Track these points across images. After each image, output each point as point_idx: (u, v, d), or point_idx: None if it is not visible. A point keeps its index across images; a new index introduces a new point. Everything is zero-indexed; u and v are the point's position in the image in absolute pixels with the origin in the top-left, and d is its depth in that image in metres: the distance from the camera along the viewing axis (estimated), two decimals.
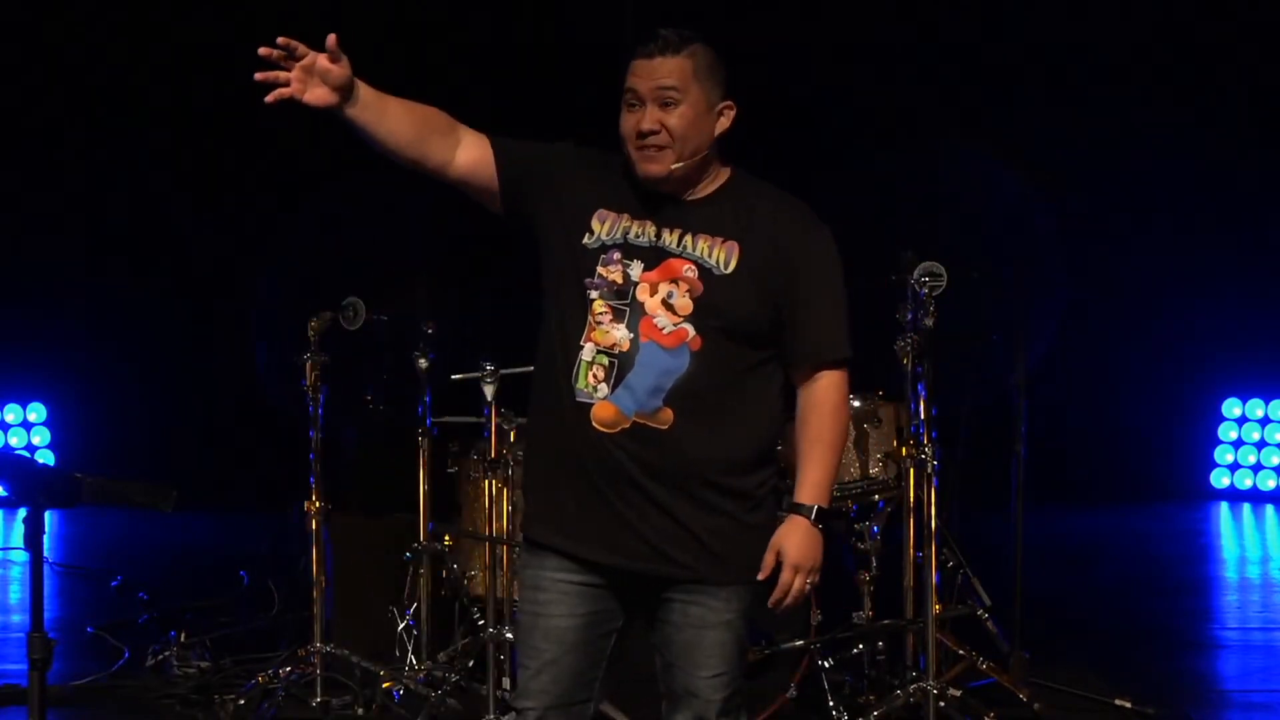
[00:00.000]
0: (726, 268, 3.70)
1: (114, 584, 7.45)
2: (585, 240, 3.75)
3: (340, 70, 3.78)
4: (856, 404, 5.82)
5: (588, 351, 3.70)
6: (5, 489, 4.95)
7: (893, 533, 5.76)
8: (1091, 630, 7.03)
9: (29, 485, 3.79)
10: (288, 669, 5.88)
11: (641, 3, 8.86)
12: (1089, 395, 9.93)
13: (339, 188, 9.29)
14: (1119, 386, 10.01)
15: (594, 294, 3.71)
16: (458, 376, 5.73)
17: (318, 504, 5.91)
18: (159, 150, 9.60)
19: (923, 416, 5.49)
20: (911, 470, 5.50)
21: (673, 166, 3.72)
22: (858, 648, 5.72)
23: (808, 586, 3.70)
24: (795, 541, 3.68)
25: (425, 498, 5.91)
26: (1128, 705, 5.79)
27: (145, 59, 9.50)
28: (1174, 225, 9.79)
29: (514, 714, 3.86)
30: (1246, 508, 10.10)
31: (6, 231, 9.63)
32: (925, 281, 5.45)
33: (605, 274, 3.72)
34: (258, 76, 3.71)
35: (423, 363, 5.89)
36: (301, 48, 3.74)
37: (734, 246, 3.72)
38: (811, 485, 3.72)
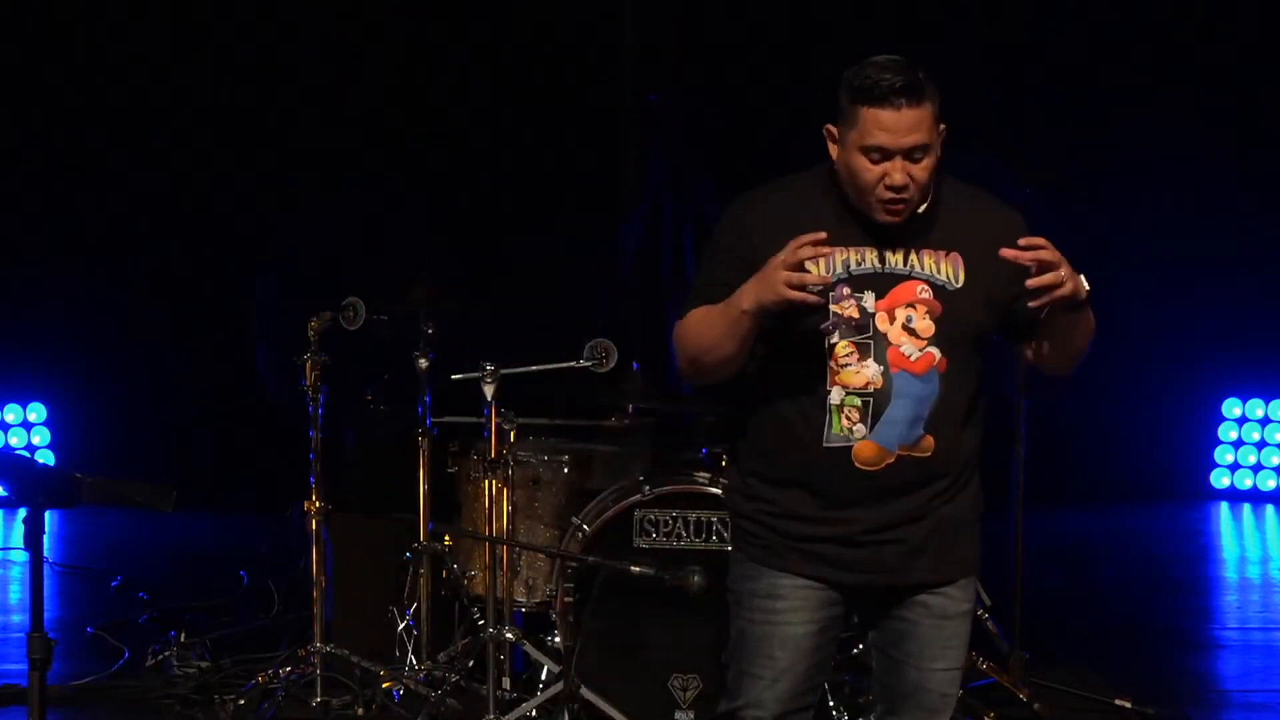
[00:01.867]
0: (958, 281, 3.68)
1: (114, 584, 7.45)
2: (810, 285, 3.61)
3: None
4: None
5: (835, 396, 3.66)
6: (5, 489, 4.95)
7: None
8: (1091, 630, 7.03)
9: (29, 485, 3.79)
10: (288, 669, 5.88)
11: (642, 5, 8.86)
12: (1088, 395, 9.92)
13: (339, 187, 9.29)
14: (1118, 386, 10.00)
15: (834, 336, 3.64)
16: (458, 376, 5.73)
17: (318, 504, 5.91)
18: (159, 150, 9.59)
19: None
20: None
21: (916, 212, 3.68)
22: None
23: (1067, 285, 3.57)
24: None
25: (425, 498, 5.91)
26: (1128, 705, 5.80)
27: (144, 57, 9.50)
28: (1174, 225, 9.78)
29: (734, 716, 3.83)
30: (1246, 508, 10.09)
31: (6, 232, 9.63)
32: None
33: (840, 310, 3.64)
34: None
35: (423, 363, 5.88)
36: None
37: (957, 258, 3.69)
38: None
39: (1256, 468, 10.30)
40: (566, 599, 5.64)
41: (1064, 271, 3.56)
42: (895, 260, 3.67)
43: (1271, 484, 10.25)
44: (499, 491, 5.63)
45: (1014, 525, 6.04)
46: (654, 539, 5.56)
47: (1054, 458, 8.69)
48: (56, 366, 9.86)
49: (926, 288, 3.66)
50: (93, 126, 9.59)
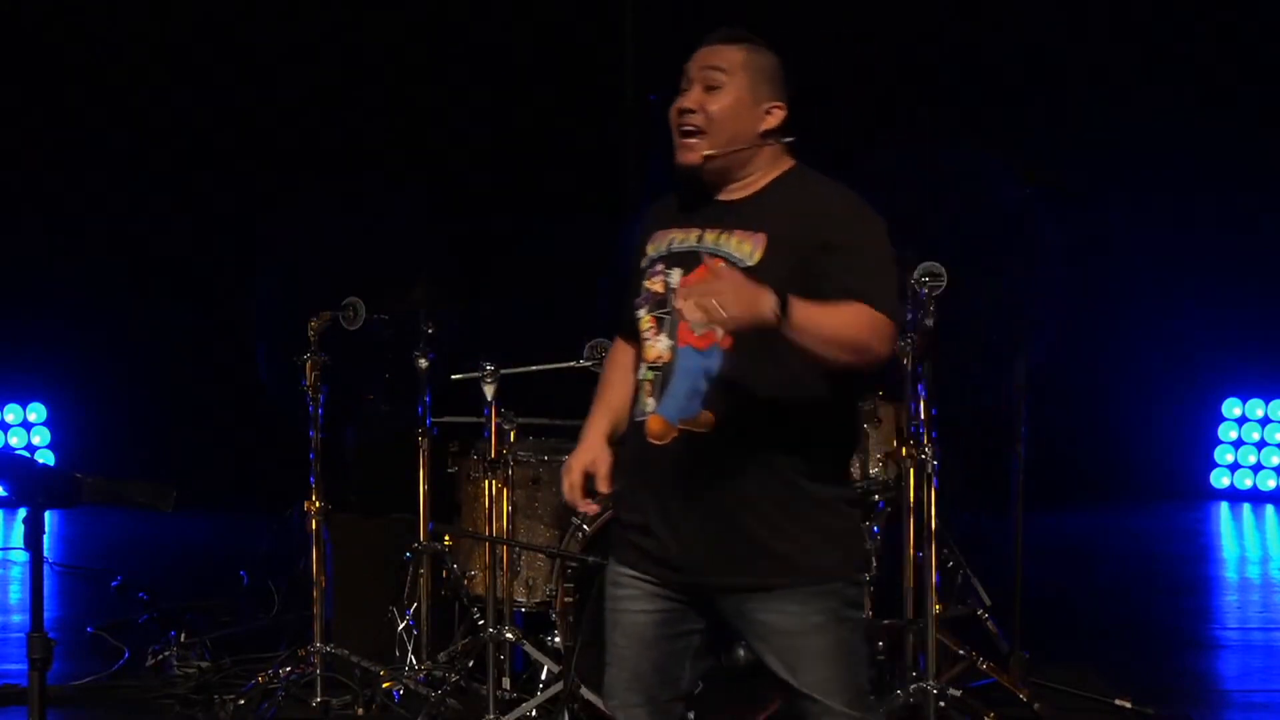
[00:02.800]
0: (751, 259, 3.61)
1: (114, 584, 7.45)
2: (642, 264, 3.74)
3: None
4: None
5: (642, 371, 3.70)
6: (5, 489, 4.94)
7: (893, 533, 5.76)
8: (1091, 630, 7.03)
9: (29, 485, 3.79)
10: (288, 669, 5.88)
11: (642, 4, 8.86)
12: (1088, 395, 9.94)
13: (339, 187, 9.30)
14: (1119, 386, 10.01)
15: (642, 311, 3.69)
16: (458, 376, 5.73)
17: (318, 504, 5.91)
18: (159, 150, 9.60)
19: (923, 416, 5.48)
20: (911, 470, 5.50)
21: (706, 153, 3.66)
22: None
23: (711, 305, 3.36)
24: (734, 277, 3.42)
25: (425, 498, 5.91)
26: (1128, 705, 5.79)
27: (145, 57, 9.51)
28: (1174, 225, 9.79)
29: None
30: (1246, 508, 10.10)
31: (6, 233, 9.63)
32: (925, 281, 5.45)
33: (649, 286, 3.69)
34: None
35: (423, 363, 5.88)
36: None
37: (761, 238, 3.62)
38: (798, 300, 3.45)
39: (1256, 468, 10.31)
40: (566, 599, 5.63)
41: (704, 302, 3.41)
42: (710, 240, 3.68)
43: (1271, 484, 10.26)
44: (499, 491, 5.63)
45: (1014, 525, 6.04)
46: None
47: (1054, 458, 8.69)
48: (56, 366, 9.88)
49: (724, 265, 3.59)
50: (93, 127, 9.59)
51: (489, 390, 5.54)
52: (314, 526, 5.90)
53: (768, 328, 3.39)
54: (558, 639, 5.66)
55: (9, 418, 10.05)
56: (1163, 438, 10.14)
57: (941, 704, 5.38)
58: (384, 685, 5.80)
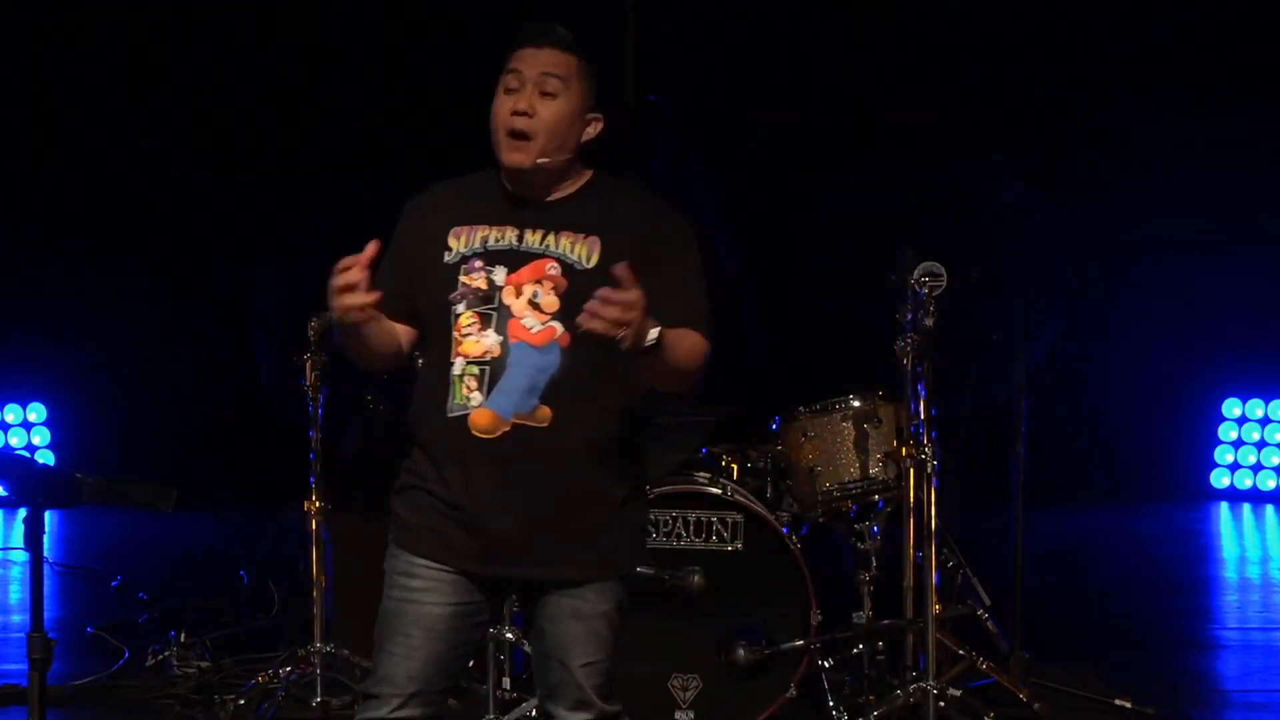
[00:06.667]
0: (589, 262, 3.72)
1: (114, 584, 7.45)
2: (445, 258, 3.77)
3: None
4: (856, 404, 5.83)
5: (457, 366, 3.73)
6: (5, 489, 4.95)
7: (893, 533, 5.76)
8: (1091, 630, 7.03)
9: (29, 485, 3.80)
10: (288, 669, 5.88)
11: (641, 5, 8.86)
12: (1088, 395, 9.93)
13: (338, 187, 9.29)
14: (1119, 386, 10.00)
15: (460, 306, 3.73)
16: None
17: (318, 504, 5.90)
18: (158, 149, 9.59)
19: (923, 416, 5.49)
20: (911, 470, 5.50)
21: (538, 160, 3.76)
22: (858, 648, 5.73)
23: (618, 317, 3.47)
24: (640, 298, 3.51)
25: None
26: (1128, 705, 5.80)
27: (144, 57, 9.50)
28: (1175, 225, 9.78)
29: (366, 699, 3.81)
30: (1246, 508, 10.09)
31: (6, 232, 9.63)
32: (925, 281, 5.45)
33: (469, 282, 3.74)
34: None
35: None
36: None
37: (595, 241, 3.74)
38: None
39: (1256, 468, 10.30)
40: None
41: (622, 321, 3.48)
42: (533, 240, 3.76)
43: (1271, 484, 10.26)
44: None
45: (1014, 525, 6.04)
46: (654, 539, 5.56)
47: (1054, 458, 8.70)
48: (56, 366, 9.86)
49: (556, 265, 3.73)
50: (92, 126, 9.59)
51: None
52: (314, 526, 5.90)
53: (639, 349, 3.51)
54: None
55: (9, 418, 10.04)
56: (1163, 438, 10.13)
57: (941, 704, 5.39)
58: None
